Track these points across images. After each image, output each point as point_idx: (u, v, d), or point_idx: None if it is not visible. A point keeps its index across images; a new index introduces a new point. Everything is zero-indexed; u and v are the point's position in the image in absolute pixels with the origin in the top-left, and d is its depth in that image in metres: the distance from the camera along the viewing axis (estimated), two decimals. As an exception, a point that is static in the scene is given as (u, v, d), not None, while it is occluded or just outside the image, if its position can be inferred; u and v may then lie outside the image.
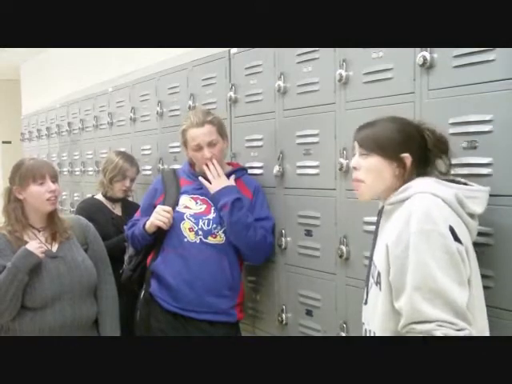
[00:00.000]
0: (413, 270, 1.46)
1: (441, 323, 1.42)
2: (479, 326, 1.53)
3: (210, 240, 2.53)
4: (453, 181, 1.64)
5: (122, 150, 3.65)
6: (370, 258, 1.73)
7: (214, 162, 2.54)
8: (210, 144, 2.53)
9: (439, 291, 1.43)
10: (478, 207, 1.60)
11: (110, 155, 3.40)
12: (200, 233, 2.53)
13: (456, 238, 1.48)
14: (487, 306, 1.68)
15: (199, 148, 2.54)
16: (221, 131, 2.59)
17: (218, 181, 2.53)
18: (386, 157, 1.64)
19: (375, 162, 1.65)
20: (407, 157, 1.63)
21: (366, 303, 1.73)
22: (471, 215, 1.59)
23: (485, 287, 1.70)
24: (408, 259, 1.48)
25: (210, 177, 2.54)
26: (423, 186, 1.58)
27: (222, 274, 2.53)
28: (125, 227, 2.81)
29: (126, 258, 2.79)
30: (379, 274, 1.61)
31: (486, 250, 1.72)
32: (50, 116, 5.49)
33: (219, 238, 2.54)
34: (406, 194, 1.59)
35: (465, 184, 1.64)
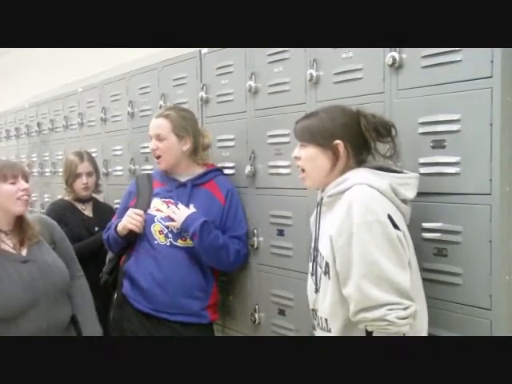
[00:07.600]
0: (358, 259, 1.56)
1: (390, 306, 1.52)
2: (420, 303, 1.65)
3: (180, 243, 2.52)
4: (388, 169, 1.74)
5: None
6: (316, 249, 1.80)
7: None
8: (158, 137, 2.56)
9: (384, 275, 1.54)
10: (410, 193, 1.71)
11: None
12: (170, 235, 2.52)
13: (394, 226, 1.60)
14: (456, 303, 1.74)
15: (150, 138, 2.60)
16: (176, 129, 2.54)
17: (179, 214, 2.48)
18: (320, 146, 1.76)
19: (311, 151, 1.78)
20: (339, 144, 1.74)
21: (316, 291, 1.79)
22: (404, 201, 1.70)
23: (453, 284, 1.74)
24: (352, 249, 1.58)
25: (172, 215, 2.50)
26: (359, 178, 1.67)
27: (193, 275, 2.52)
28: (101, 231, 2.79)
29: (107, 260, 2.78)
30: (327, 264, 1.69)
31: (454, 248, 1.75)
32: (19, 116, 5.40)
33: (189, 241, 2.51)
34: (344, 185, 1.69)
35: (397, 171, 1.74)
